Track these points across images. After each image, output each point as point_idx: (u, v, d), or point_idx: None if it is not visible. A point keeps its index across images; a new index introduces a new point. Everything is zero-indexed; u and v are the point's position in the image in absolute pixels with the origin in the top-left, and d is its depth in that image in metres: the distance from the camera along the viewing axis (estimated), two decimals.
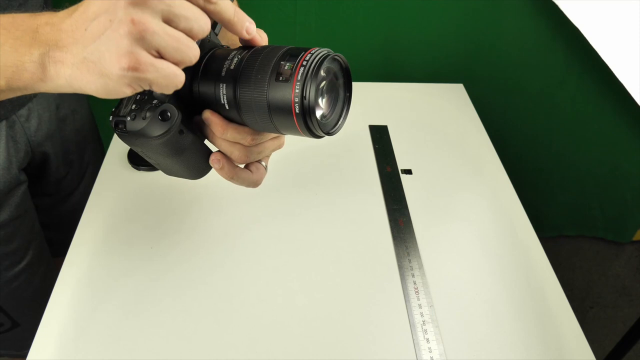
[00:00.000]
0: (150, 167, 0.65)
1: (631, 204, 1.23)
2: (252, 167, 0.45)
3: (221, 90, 0.39)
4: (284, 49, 0.38)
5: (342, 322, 0.50)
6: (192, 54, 0.33)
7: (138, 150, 0.41)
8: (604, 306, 1.31)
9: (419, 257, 0.57)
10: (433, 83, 0.86)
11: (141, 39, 0.31)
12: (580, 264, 1.40)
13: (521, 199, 0.65)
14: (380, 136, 0.73)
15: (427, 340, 0.49)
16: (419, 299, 0.52)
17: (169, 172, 0.46)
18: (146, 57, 0.32)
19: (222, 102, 0.40)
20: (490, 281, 0.55)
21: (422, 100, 0.82)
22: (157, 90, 0.34)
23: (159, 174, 0.65)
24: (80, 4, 0.33)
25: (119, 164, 0.66)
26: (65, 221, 0.61)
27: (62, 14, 0.34)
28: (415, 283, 0.54)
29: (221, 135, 0.41)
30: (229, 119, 0.41)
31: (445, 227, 0.61)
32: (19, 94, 0.36)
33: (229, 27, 0.37)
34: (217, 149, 0.43)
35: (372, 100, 0.81)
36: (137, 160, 0.65)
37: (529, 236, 0.61)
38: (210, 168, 0.45)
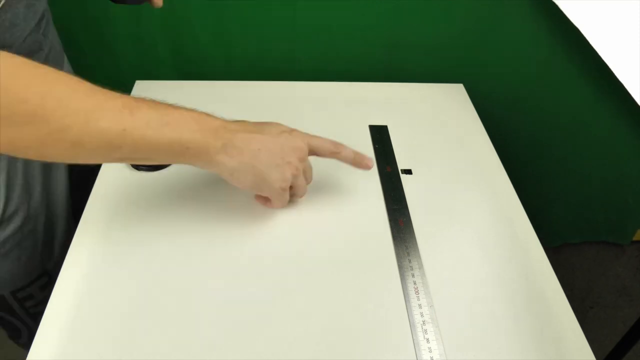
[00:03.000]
0: (150, 168, 0.65)
1: (633, 206, 1.23)
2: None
3: None
4: None
5: (342, 322, 0.50)
6: (304, 194, 0.59)
7: None
8: (604, 306, 1.31)
9: (419, 257, 0.57)
10: (433, 83, 0.86)
11: (295, 178, 0.55)
12: (580, 264, 1.40)
13: (523, 204, 0.65)
14: (380, 136, 0.73)
15: (427, 340, 0.49)
16: (419, 299, 0.52)
17: None
18: (287, 188, 0.55)
19: None
20: (490, 281, 0.55)
21: (422, 100, 0.82)
22: (273, 200, 0.57)
23: (159, 174, 0.65)
24: (251, 127, 0.52)
25: (118, 164, 0.66)
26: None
27: (235, 126, 0.51)
28: (415, 283, 0.54)
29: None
30: None
31: (445, 227, 0.61)
32: (175, 162, 0.50)
33: (354, 165, 0.59)
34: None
35: (372, 100, 0.81)
36: None
37: (528, 236, 0.61)
38: None
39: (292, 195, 0.59)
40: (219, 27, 0.86)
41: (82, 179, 0.74)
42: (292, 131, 0.55)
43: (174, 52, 0.89)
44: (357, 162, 0.58)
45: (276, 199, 0.56)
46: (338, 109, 0.78)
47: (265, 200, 0.58)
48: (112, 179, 0.64)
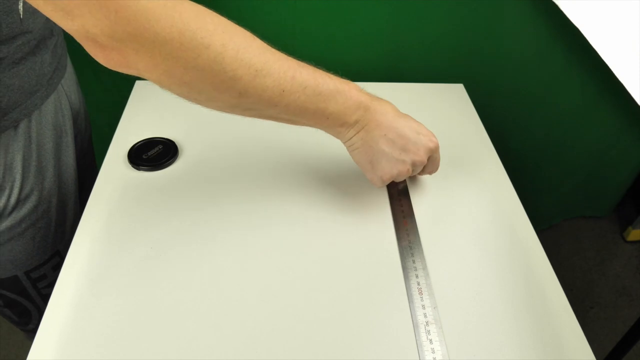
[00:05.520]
0: (150, 167, 0.65)
1: (610, 181, 1.26)
2: None
3: None
4: None
5: (345, 322, 0.50)
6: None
7: None
8: (604, 306, 1.31)
9: (423, 257, 0.57)
10: (433, 83, 0.86)
11: (399, 176, 0.57)
12: (580, 264, 1.40)
13: (517, 194, 0.65)
14: None
15: (430, 341, 0.49)
16: (422, 300, 0.52)
17: None
18: (388, 182, 0.58)
19: None
20: (492, 282, 0.55)
21: (422, 100, 0.82)
22: (370, 180, 0.59)
23: (159, 174, 0.65)
24: (392, 114, 0.55)
25: (119, 164, 0.66)
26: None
27: (377, 106, 0.54)
28: (419, 284, 0.54)
29: None
30: None
31: (449, 227, 0.61)
32: (308, 125, 0.53)
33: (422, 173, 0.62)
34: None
35: None
36: (137, 160, 0.65)
37: (529, 236, 0.61)
38: None
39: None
40: None
41: (85, 169, 0.75)
42: (429, 136, 0.57)
43: None
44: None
45: (374, 182, 0.59)
46: None
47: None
48: (112, 179, 0.64)
